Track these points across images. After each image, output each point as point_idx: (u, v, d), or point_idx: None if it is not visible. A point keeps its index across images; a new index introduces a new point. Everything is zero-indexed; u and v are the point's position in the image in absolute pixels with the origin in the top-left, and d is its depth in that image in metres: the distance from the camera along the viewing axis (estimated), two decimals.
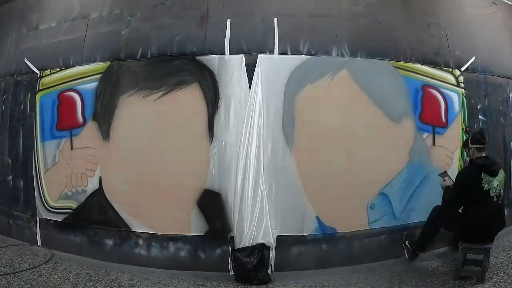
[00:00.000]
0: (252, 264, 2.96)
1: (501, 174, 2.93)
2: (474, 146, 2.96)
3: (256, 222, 3.03)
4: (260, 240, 3.04)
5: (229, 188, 3.15)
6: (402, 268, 3.18)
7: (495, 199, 2.87)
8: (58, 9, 3.85)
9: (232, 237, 3.12)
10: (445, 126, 3.65)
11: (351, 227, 3.29)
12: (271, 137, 3.16)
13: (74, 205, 3.52)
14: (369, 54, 3.38)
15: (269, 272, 3.08)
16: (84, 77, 3.50)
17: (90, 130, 3.44)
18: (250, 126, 3.09)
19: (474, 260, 2.93)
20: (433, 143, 3.57)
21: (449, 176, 3.20)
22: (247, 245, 3.01)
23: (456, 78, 3.74)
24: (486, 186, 2.86)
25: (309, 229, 3.21)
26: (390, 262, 3.31)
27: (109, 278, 3.07)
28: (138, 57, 3.35)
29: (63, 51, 3.65)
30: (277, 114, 3.18)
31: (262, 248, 3.06)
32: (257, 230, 3.03)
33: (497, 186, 2.88)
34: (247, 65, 3.17)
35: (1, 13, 4.33)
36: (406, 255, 3.29)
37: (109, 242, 3.41)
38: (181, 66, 3.25)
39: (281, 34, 3.24)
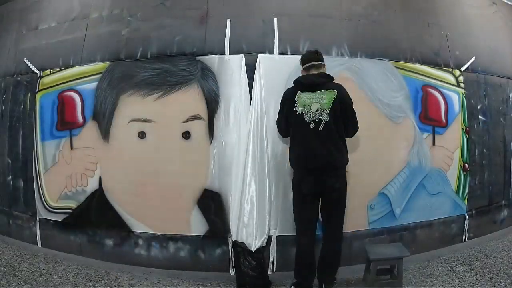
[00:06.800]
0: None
1: (329, 95, 2.53)
2: (303, 67, 2.73)
3: (256, 222, 3.03)
4: (260, 240, 3.04)
5: (229, 188, 3.16)
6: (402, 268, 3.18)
7: (312, 126, 2.55)
8: (58, 9, 3.85)
9: (234, 240, 3.11)
10: (445, 126, 3.65)
11: (351, 227, 3.29)
12: (271, 137, 3.16)
13: (74, 205, 3.52)
14: (369, 54, 3.38)
15: (269, 272, 3.08)
16: (84, 77, 3.50)
17: (90, 130, 3.44)
18: (250, 126, 3.09)
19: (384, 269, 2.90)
20: (433, 143, 3.58)
21: None
22: (247, 245, 3.01)
23: (456, 78, 3.74)
24: (299, 109, 2.55)
25: None
26: None
27: (109, 278, 3.07)
28: (138, 57, 3.35)
29: (63, 51, 3.65)
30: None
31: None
32: (257, 230, 3.03)
33: (317, 110, 2.53)
34: (247, 65, 3.17)
35: (1, 13, 4.33)
36: None
37: (109, 242, 3.41)
38: (180, 66, 3.24)
39: (281, 34, 3.24)
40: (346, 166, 2.72)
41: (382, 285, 2.84)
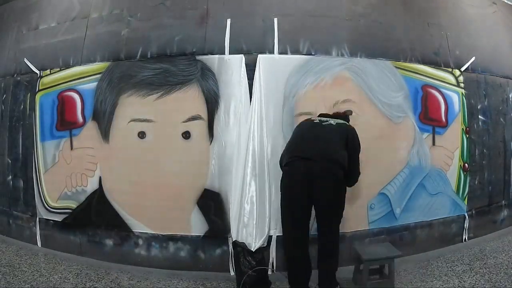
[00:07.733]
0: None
1: (339, 121, 2.80)
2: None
3: (256, 222, 3.03)
4: (260, 240, 3.04)
5: (229, 188, 3.16)
6: (402, 268, 3.18)
7: (316, 121, 2.82)
8: (58, 9, 3.85)
9: (234, 239, 3.11)
10: (445, 126, 3.65)
11: (351, 227, 3.30)
12: (271, 137, 3.16)
13: (74, 205, 3.52)
14: (369, 54, 3.38)
15: (269, 272, 3.08)
16: (84, 77, 3.50)
17: (90, 130, 3.44)
18: (250, 126, 3.09)
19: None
20: (433, 143, 3.58)
21: None
22: (247, 245, 3.01)
23: (456, 78, 3.74)
24: (314, 118, 2.87)
25: None
26: None
27: (109, 278, 3.07)
28: (138, 57, 3.35)
29: (63, 51, 3.65)
30: (277, 114, 3.18)
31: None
32: (257, 230, 3.03)
33: (327, 121, 2.78)
34: (247, 65, 3.17)
35: (1, 13, 4.33)
36: None
37: (109, 242, 3.41)
38: (180, 66, 3.24)
39: (281, 34, 3.24)
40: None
41: (373, 285, 2.85)
